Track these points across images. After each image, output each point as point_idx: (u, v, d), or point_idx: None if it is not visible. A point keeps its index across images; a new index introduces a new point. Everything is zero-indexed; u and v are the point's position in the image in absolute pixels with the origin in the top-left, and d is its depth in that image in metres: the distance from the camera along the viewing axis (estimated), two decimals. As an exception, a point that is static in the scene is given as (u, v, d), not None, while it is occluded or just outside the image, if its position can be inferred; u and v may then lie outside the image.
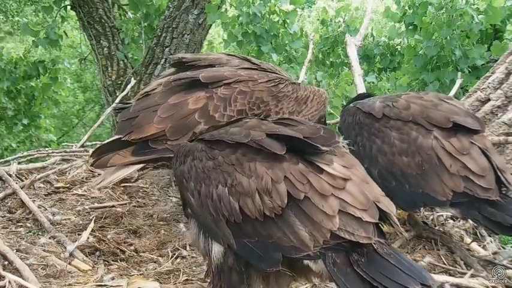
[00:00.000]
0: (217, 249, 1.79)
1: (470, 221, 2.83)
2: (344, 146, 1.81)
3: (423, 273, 1.51)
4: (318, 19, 8.95)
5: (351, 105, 2.84)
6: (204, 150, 1.82)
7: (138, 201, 3.28)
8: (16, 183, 3.25)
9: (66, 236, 2.66)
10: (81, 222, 2.90)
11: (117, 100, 5.63)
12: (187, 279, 2.26)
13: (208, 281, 1.88)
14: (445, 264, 2.48)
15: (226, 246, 1.74)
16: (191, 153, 1.86)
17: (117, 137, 2.80)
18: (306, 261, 1.62)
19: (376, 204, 1.62)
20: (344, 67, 8.09)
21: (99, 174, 3.65)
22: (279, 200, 1.60)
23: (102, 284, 2.15)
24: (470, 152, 2.37)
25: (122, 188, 3.43)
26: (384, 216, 1.64)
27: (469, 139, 2.41)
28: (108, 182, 2.83)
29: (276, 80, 2.92)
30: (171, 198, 3.44)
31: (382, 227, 1.64)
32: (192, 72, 2.88)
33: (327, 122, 3.56)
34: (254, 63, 3.08)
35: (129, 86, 5.48)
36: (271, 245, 1.62)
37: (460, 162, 2.35)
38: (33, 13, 12.26)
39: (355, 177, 1.67)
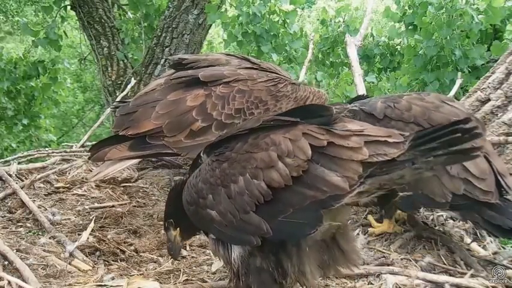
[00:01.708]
0: (238, 252, 1.76)
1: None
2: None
3: None
4: (318, 19, 8.95)
5: (352, 105, 2.83)
6: (213, 160, 1.79)
7: (138, 201, 3.28)
8: (16, 183, 3.25)
9: (66, 236, 2.66)
10: (81, 222, 2.90)
11: (117, 100, 5.64)
12: (187, 279, 2.26)
13: (232, 285, 1.84)
14: (445, 264, 2.48)
15: (254, 244, 1.68)
16: (200, 174, 1.82)
17: (114, 130, 2.82)
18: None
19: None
20: (344, 67, 8.09)
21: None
22: (302, 154, 1.60)
23: (102, 284, 2.15)
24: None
25: (122, 188, 3.44)
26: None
27: None
28: (103, 175, 2.86)
29: (276, 80, 2.92)
30: (171, 198, 3.43)
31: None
32: (192, 70, 2.90)
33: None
34: (254, 63, 3.09)
35: (129, 86, 5.49)
36: (307, 208, 1.60)
37: (460, 164, 2.35)
38: (33, 13, 12.26)
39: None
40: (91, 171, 3.70)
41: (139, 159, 3.04)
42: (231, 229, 1.72)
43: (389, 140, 1.58)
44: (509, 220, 2.27)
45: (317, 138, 1.62)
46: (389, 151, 1.55)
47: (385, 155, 1.55)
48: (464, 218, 2.68)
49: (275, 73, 3.02)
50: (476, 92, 3.60)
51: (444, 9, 5.97)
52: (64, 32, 8.85)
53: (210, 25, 7.87)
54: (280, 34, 6.99)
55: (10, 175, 3.36)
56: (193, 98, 2.76)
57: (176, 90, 2.81)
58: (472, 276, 2.33)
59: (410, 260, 2.46)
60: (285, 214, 1.62)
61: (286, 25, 7.12)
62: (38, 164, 3.83)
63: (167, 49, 7.50)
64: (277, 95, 2.88)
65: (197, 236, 2.71)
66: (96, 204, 3.18)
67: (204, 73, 2.82)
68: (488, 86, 3.53)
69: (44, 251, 2.48)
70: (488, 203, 2.32)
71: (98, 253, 2.54)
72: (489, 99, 3.47)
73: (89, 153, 2.85)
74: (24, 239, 2.63)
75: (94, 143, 4.73)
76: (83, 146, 4.49)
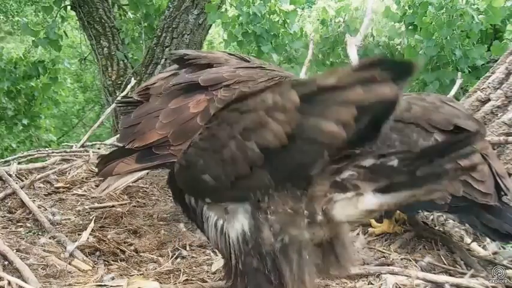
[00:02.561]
0: (239, 227, 1.65)
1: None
2: None
3: None
4: (318, 19, 8.94)
5: None
6: (204, 128, 1.70)
7: (138, 201, 3.28)
8: (16, 183, 3.25)
9: (66, 236, 2.66)
10: (81, 222, 2.90)
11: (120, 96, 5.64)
12: (187, 279, 2.26)
13: (230, 279, 1.75)
14: (445, 264, 2.47)
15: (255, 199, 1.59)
16: (191, 142, 1.74)
17: (120, 144, 2.79)
18: None
19: None
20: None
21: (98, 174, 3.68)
22: (290, 102, 1.46)
23: (102, 284, 2.15)
24: (470, 156, 2.36)
25: (122, 188, 3.44)
26: None
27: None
28: (113, 189, 2.81)
29: (276, 79, 2.91)
30: (171, 198, 3.44)
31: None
32: (190, 75, 2.87)
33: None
34: (253, 62, 3.08)
35: (129, 86, 5.49)
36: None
37: (459, 166, 2.34)
38: (33, 13, 12.26)
39: None
40: (91, 171, 3.71)
41: (147, 171, 3.00)
42: (227, 196, 1.65)
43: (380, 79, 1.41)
44: (507, 225, 2.26)
45: (305, 84, 1.49)
46: (384, 90, 1.40)
47: (379, 95, 1.41)
48: (462, 221, 2.68)
49: (275, 71, 3.00)
50: (476, 92, 3.60)
51: (444, 9, 5.98)
52: (64, 32, 8.84)
53: (210, 25, 7.88)
54: (280, 34, 6.99)
55: (10, 175, 3.36)
56: (196, 104, 2.73)
57: (176, 97, 2.77)
58: (472, 276, 2.32)
59: (410, 260, 2.46)
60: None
61: (286, 25, 7.12)
62: (38, 164, 3.83)
63: (167, 49, 7.51)
64: None
65: (197, 236, 2.71)
66: (96, 204, 3.18)
67: (203, 77, 2.77)
68: (488, 86, 3.53)
69: (44, 251, 2.48)
70: (486, 206, 2.31)
71: (98, 253, 2.53)
72: (489, 99, 3.47)
73: (96, 169, 2.81)
74: (24, 239, 2.63)
75: (94, 143, 4.78)
76: (83, 146, 4.49)
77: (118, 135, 2.93)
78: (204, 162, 1.67)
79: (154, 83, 3.11)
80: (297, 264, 1.64)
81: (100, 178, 3.45)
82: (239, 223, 1.67)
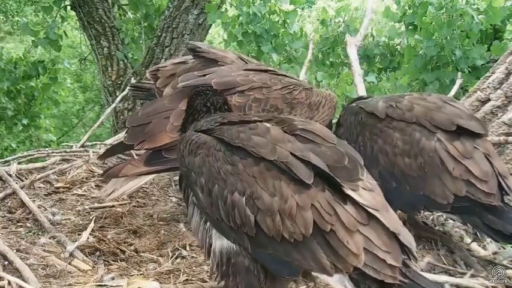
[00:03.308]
0: (225, 245, 1.74)
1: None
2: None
3: None
4: (318, 19, 8.94)
5: (353, 104, 2.82)
6: (222, 151, 1.73)
7: (138, 201, 3.28)
8: (16, 183, 3.25)
9: (66, 236, 2.66)
10: (81, 222, 2.90)
11: (117, 100, 5.64)
12: (187, 279, 2.26)
13: (215, 280, 1.83)
14: (445, 264, 2.48)
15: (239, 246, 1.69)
16: (205, 147, 1.78)
17: (129, 144, 2.70)
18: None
19: (397, 237, 1.60)
20: (344, 67, 8.08)
21: (98, 174, 3.67)
22: (303, 227, 1.55)
23: (102, 284, 2.15)
24: (473, 156, 2.35)
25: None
26: (404, 249, 1.62)
27: (472, 143, 2.39)
28: (120, 194, 2.76)
29: (291, 87, 2.86)
30: (171, 198, 3.44)
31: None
32: (202, 77, 2.79)
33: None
34: (267, 68, 3.05)
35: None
36: (288, 262, 1.60)
37: (463, 165, 2.33)
38: (33, 13, 12.25)
39: (378, 205, 1.63)
40: (91, 171, 3.71)
41: (155, 174, 2.95)
42: (214, 217, 1.74)
43: (388, 259, 1.54)
44: (509, 226, 2.26)
45: (323, 219, 1.56)
46: (384, 271, 1.53)
47: (377, 273, 1.54)
48: (464, 222, 2.67)
49: (288, 77, 2.97)
50: (476, 92, 3.60)
51: (444, 9, 5.97)
52: (64, 32, 8.84)
53: (210, 25, 7.88)
54: (280, 34, 6.98)
55: (10, 175, 3.36)
56: None
57: (187, 97, 2.73)
58: (472, 276, 2.33)
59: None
60: (266, 251, 1.62)
61: (286, 25, 7.11)
62: (38, 164, 3.83)
63: (167, 49, 7.51)
64: (293, 103, 2.81)
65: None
66: (96, 204, 3.18)
67: (217, 80, 2.71)
68: (488, 86, 3.53)
69: (44, 251, 2.48)
70: (489, 207, 2.31)
71: (98, 253, 2.53)
72: (489, 99, 3.47)
73: (100, 169, 2.74)
74: (24, 239, 2.63)
75: (94, 143, 4.77)
76: (83, 146, 4.49)
77: (125, 133, 2.84)
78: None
79: (165, 66, 3.13)
80: None
81: (102, 179, 3.45)
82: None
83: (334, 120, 3.10)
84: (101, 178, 3.61)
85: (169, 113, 2.67)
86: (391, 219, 1.63)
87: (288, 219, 1.56)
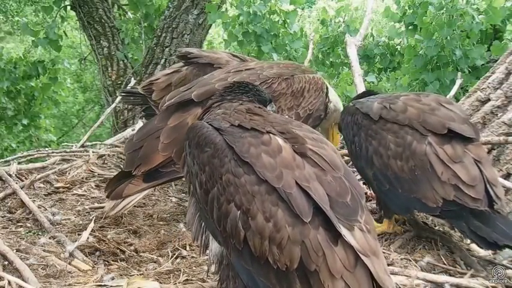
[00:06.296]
0: (218, 247, 1.77)
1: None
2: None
3: None
4: (318, 19, 8.93)
5: (351, 104, 2.84)
6: (229, 158, 1.70)
7: (138, 201, 3.28)
8: (16, 183, 3.25)
9: (66, 236, 2.66)
10: (81, 222, 2.90)
11: (117, 100, 5.65)
12: (187, 279, 2.26)
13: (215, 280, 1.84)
14: (445, 264, 2.48)
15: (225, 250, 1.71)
16: (214, 148, 1.75)
17: (127, 170, 2.76)
18: None
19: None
20: (344, 67, 8.08)
21: (98, 174, 3.68)
22: (289, 260, 1.54)
23: (102, 284, 2.15)
24: (462, 160, 2.36)
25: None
26: None
27: (463, 147, 2.40)
28: (122, 209, 2.79)
29: (269, 81, 2.90)
30: (171, 198, 3.44)
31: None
32: (183, 92, 2.83)
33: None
34: (251, 63, 3.07)
35: (129, 86, 5.49)
36: (265, 283, 1.59)
37: (451, 170, 2.33)
38: (33, 13, 12.25)
39: (369, 249, 1.58)
40: (91, 171, 3.71)
41: (154, 187, 3.03)
42: (207, 215, 1.75)
43: None
44: (495, 234, 2.26)
45: (310, 258, 1.53)
46: None
47: None
48: (452, 226, 2.68)
49: (273, 69, 2.99)
50: (476, 92, 3.60)
51: (444, 9, 5.97)
52: (64, 32, 8.84)
53: (210, 25, 7.88)
54: (280, 34, 6.99)
55: (10, 175, 3.36)
56: (194, 119, 2.72)
57: (174, 113, 2.76)
58: (472, 276, 2.33)
59: (410, 260, 2.46)
60: (246, 264, 1.62)
61: (286, 25, 7.11)
62: (38, 164, 3.83)
63: (167, 49, 7.51)
64: (274, 95, 2.86)
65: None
66: (96, 204, 3.19)
67: (196, 92, 2.75)
68: (488, 86, 3.52)
69: (44, 251, 2.48)
70: (477, 212, 2.31)
71: (98, 253, 2.54)
72: (489, 99, 3.47)
73: (105, 192, 2.80)
74: (24, 239, 2.64)
75: (94, 143, 4.77)
76: (83, 146, 4.49)
77: (124, 161, 2.88)
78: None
79: (157, 79, 3.15)
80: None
81: (102, 179, 3.47)
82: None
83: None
84: (100, 178, 3.62)
85: (159, 132, 2.70)
86: (380, 266, 1.58)
87: (277, 248, 1.55)
